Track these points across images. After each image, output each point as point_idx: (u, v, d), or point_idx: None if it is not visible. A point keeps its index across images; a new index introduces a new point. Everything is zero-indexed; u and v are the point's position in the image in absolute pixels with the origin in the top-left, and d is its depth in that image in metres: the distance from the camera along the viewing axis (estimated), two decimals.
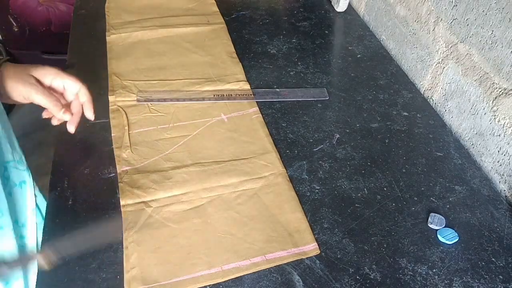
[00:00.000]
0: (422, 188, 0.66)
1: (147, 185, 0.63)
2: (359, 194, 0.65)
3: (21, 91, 0.59)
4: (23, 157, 0.71)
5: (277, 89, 0.82)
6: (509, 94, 0.66)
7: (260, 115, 0.76)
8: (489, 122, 0.70)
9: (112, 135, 0.71)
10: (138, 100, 0.77)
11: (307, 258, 0.57)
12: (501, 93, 0.67)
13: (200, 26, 0.96)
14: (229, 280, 0.54)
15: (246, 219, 0.60)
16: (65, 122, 0.64)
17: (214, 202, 0.62)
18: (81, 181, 0.64)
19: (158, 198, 0.62)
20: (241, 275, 0.55)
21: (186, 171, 0.66)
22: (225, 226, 0.59)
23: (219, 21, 0.99)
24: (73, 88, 0.63)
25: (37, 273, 0.54)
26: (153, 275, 0.54)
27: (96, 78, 0.82)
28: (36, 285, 0.53)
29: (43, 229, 0.59)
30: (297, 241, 0.58)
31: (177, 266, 0.55)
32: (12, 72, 0.59)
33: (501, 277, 0.56)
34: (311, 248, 0.58)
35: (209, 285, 0.54)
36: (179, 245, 0.57)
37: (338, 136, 0.72)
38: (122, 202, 0.61)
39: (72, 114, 0.63)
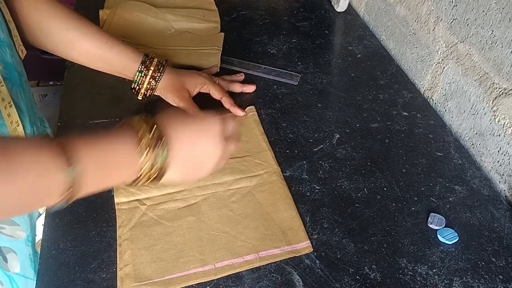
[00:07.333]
0: (422, 188, 0.66)
1: None
2: (359, 194, 0.65)
3: (175, 102, 0.73)
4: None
5: (253, 64, 0.87)
6: (509, 94, 0.66)
7: (256, 113, 0.77)
8: (489, 122, 0.70)
9: None
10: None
11: (307, 258, 0.57)
12: (501, 93, 0.67)
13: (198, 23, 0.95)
14: (229, 280, 0.54)
15: (240, 217, 0.61)
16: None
17: (208, 200, 0.63)
18: None
19: (152, 196, 0.62)
20: (234, 272, 0.55)
21: None
22: (219, 224, 0.60)
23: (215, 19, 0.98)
24: (217, 96, 0.76)
25: (37, 273, 0.54)
26: (146, 273, 0.54)
27: (95, 77, 0.81)
28: (36, 285, 0.53)
29: (43, 229, 0.59)
30: (290, 239, 0.58)
31: (170, 263, 0.55)
32: (170, 81, 0.73)
33: (501, 277, 0.56)
34: (304, 246, 0.58)
35: (208, 285, 0.54)
36: (173, 242, 0.57)
37: (338, 136, 0.72)
38: (116, 200, 0.61)
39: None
